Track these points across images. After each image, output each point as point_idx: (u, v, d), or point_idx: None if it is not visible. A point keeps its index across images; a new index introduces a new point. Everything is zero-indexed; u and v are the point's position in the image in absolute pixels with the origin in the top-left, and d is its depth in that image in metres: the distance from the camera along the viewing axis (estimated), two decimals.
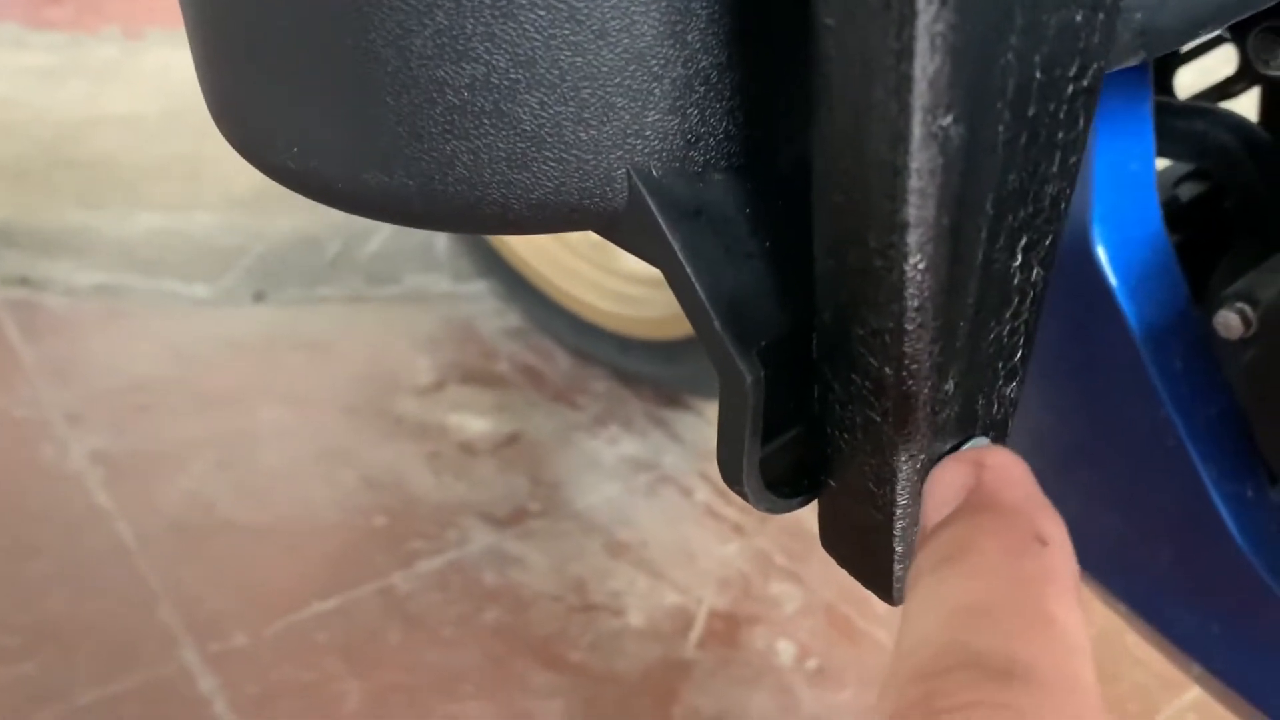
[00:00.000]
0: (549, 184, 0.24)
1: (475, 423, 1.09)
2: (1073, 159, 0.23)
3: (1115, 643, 0.84)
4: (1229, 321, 0.46)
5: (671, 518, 0.99)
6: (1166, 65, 0.55)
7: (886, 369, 0.23)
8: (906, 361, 0.22)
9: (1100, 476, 0.53)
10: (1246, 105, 0.54)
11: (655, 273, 1.12)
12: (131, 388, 1.10)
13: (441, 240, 1.31)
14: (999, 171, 0.21)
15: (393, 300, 1.25)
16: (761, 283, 0.25)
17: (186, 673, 0.83)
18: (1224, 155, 0.53)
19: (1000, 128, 0.21)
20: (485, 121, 0.23)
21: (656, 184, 0.24)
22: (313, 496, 0.99)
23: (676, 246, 0.24)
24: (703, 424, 1.09)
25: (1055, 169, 0.22)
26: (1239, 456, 0.48)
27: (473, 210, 0.25)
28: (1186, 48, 0.56)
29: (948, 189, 0.21)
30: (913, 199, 0.20)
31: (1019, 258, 0.23)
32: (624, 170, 0.24)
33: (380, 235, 1.33)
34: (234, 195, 1.39)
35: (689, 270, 0.24)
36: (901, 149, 0.20)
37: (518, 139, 0.24)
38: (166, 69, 1.60)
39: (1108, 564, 0.54)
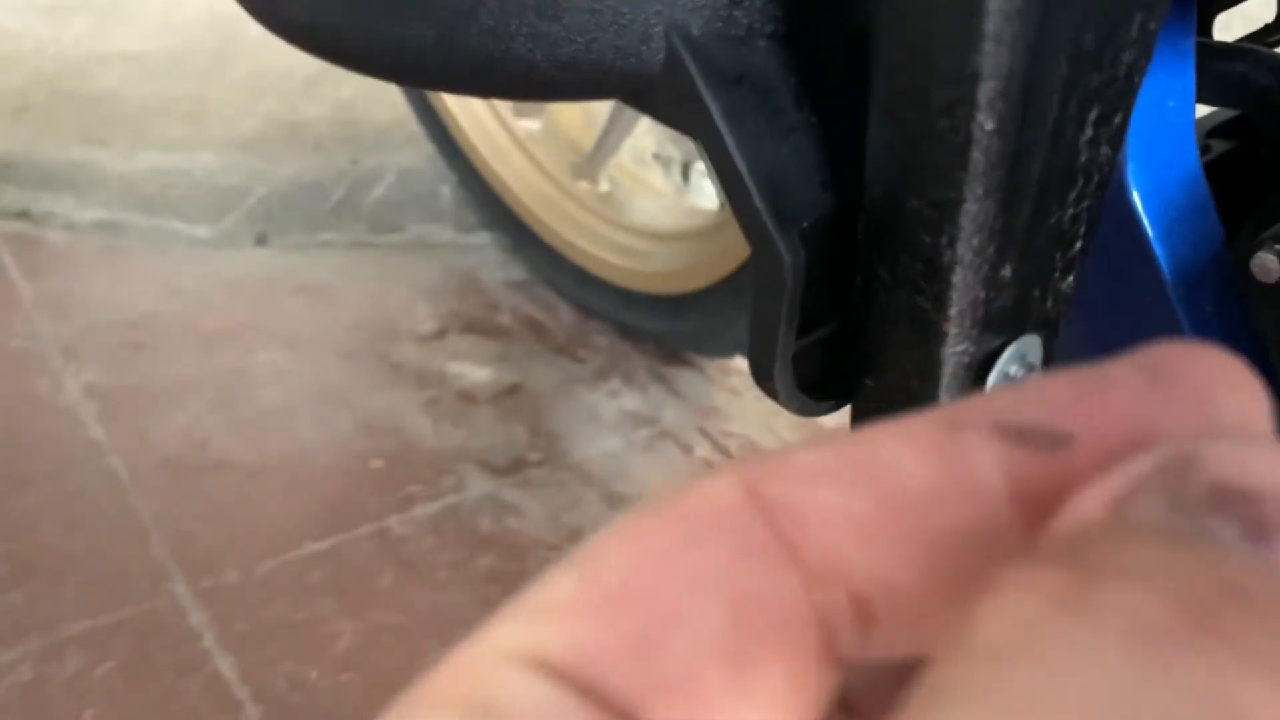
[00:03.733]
0: (580, 39, 0.22)
1: (475, 372, 1.07)
2: (1151, 25, 0.21)
3: None
4: (1267, 264, 0.44)
5: (670, 472, 0.97)
6: (1207, 8, 0.53)
7: (943, 242, 0.21)
8: (965, 236, 0.21)
9: None
10: None
11: (660, 226, 1.09)
12: (129, 324, 1.09)
13: (446, 189, 1.29)
14: (1076, 26, 0.20)
15: (395, 248, 1.24)
16: (805, 158, 0.23)
17: (177, 607, 0.81)
18: (1264, 99, 0.51)
19: None
20: None
21: (697, 44, 0.23)
22: (309, 438, 0.97)
23: (716, 114, 0.23)
24: (704, 380, 1.08)
25: (1134, 33, 0.20)
26: None
27: (494, 67, 0.23)
28: None
29: (1024, 38, 0.19)
30: (987, 45, 0.18)
31: (1089, 131, 0.21)
32: (662, 28, 0.22)
33: (385, 182, 1.31)
34: (238, 137, 1.37)
35: (729, 140, 0.23)
36: None
37: None
38: (174, 7, 1.58)
39: None
